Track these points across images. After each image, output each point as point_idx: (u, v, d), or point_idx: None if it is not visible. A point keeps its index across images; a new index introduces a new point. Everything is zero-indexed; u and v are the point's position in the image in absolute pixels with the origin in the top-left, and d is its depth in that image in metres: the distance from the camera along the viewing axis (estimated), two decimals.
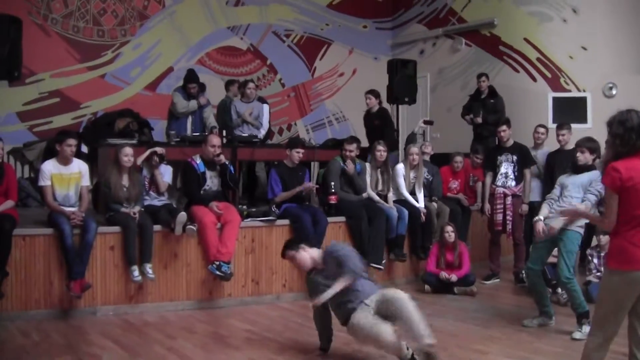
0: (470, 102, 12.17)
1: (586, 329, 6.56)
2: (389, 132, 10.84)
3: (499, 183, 9.43)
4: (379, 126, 10.72)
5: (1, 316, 7.28)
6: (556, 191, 7.33)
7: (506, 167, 9.40)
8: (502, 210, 9.38)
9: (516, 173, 9.39)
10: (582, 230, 7.09)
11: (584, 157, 7.15)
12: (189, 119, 10.67)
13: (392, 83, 11.76)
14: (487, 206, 9.60)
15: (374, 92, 10.91)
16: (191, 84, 10.64)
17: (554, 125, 9.95)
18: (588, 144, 7.21)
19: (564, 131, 9.18)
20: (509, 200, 9.34)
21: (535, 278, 7.16)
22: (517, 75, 13.33)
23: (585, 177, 7.11)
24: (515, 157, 9.39)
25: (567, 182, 7.23)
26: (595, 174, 7.04)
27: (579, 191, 7.06)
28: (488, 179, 9.63)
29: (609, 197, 4.38)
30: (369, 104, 10.88)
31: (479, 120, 11.51)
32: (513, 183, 9.38)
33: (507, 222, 9.36)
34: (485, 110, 11.82)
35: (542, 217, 7.13)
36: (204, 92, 11.32)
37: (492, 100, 11.86)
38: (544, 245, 7.11)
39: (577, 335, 6.70)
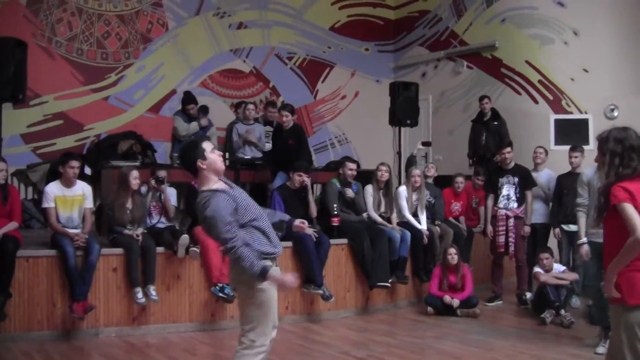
0: (473, 126, 12.20)
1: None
2: (304, 152, 10.03)
3: (500, 205, 9.44)
4: (293, 145, 9.85)
5: (4, 337, 7.30)
6: (585, 193, 7.35)
7: (508, 189, 9.41)
8: (504, 232, 9.38)
9: (518, 195, 9.40)
10: None
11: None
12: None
13: (394, 105, 11.77)
14: (490, 228, 9.61)
15: (288, 108, 10.06)
16: (189, 105, 10.69)
17: (556, 148, 9.99)
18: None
19: (577, 153, 9.18)
20: (511, 222, 9.35)
21: (597, 292, 6.87)
22: (519, 97, 13.36)
23: None
24: (516, 179, 9.41)
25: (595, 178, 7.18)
26: None
27: None
28: (490, 201, 9.65)
29: (626, 211, 3.96)
30: (285, 121, 9.86)
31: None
32: (515, 205, 9.39)
33: (510, 243, 9.36)
34: (489, 132, 11.87)
35: (585, 240, 7.23)
36: (207, 114, 11.38)
37: (495, 123, 11.90)
38: (594, 260, 7.07)
39: (600, 350, 6.65)
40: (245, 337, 4.60)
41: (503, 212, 9.40)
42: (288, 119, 9.76)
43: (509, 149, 9.54)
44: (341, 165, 9.51)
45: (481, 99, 12.14)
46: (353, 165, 9.33)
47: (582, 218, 7.43)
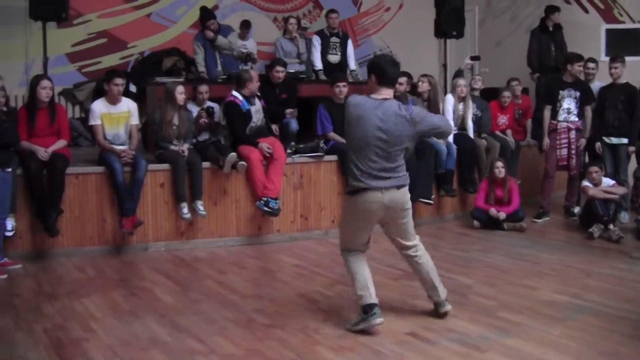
0: (536, 36, 11.90)
1: None
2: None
3: (560, 118, 9.24)
4: (287, 100, 9.45)
5: (57, 252, 7.51)
6: None
7: (569, 103, 9.18)
8: (566, 145, 9.20)
9: (578, 109, 9.21)
10: None
11: None
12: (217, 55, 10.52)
13: (440, 16, 11.54)
14: (546, 141, 9.39)
15: (281, 62, 9.49)
16: (209, 21, 10.38)
17: (607, 59, 9.73)
18: None
19: (617, 64, 8.96)
20: (572, 134, 9.17)
21: None
22: (569, 7, 12.94)
23: None
24: (578, 93, 9.18)
25: None
26: None
27: None
28: (547, 112, 9.43)
29: None
30: (278, 76, 9.29)
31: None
32: (576, 118, 9.20)
33: (572, 156, 9.20)
34: (556, 43, 11.68)
35: None
36: (249, 29, 11.25)
37: (559, 33, 11.68)
38: None
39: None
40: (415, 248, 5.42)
41: (564, 124, 9.21)
42: (282, 74, 9.28)
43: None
44: None
45: (552, 10, 11.79)
46: (401, 79, 9.19)
47: None
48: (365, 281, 5.16)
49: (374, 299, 5.10)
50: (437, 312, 5.42)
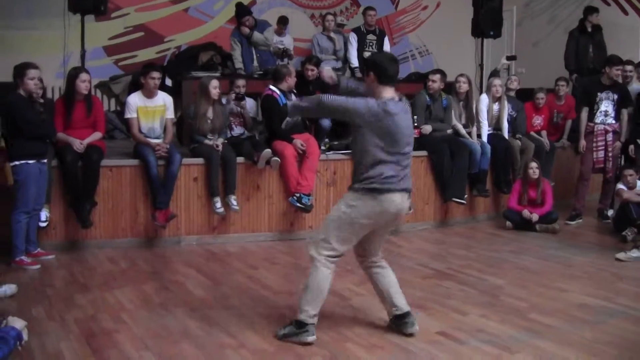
0: (574, 37, 11.78)
1: (634, 253, 7.04)
2: None
3: (597, 120, 9.15)
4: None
5: (90, 244, 7.58)
6: None
7: (606, 105, 9.11)
8: (603, 147, 9.12)
9: (615, 112, 9.12)
10: None
11: None
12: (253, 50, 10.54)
13: (477, 16, 11.48)
14: (583, 143, 9.31)
15: (314, 61, 9.46)
16: (244, 18, 10.42)
17: None
18: None
19: None
20: (609, 137, 9.08)
21: None
22: (608, 8, 12.80)
23: None
24: (616, 96, 9.09)
25: None
26: None
27: None
28: (584, 114, 9.35)
29: None
30: (311, 75, 9.25)
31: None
32: (613, 121, 9.12)
33: (609, 159, 9.11)
34: (595, 45, 11.57)
35: None
36: (286, 25, 11.26)
37: (599, 34, 11.57)
38: None
39: (620, 255, 7.12)
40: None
41: (601, 127, 9.12)
42: (314, 73, 9.21)
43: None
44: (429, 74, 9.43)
45: (590, 11, 11.66)
46: (434, 77, 9.17)
47: None
48: (321, 301, 4.91)
49: (314, 320, 4.89)
50: (398, 328, 5.08)
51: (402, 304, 5.05)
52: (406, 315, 5.03)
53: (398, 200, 4.79)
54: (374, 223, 4.85)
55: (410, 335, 4.97)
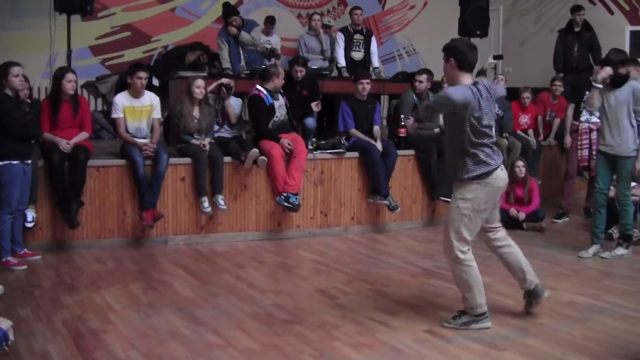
0: (561, 36, 11.80)
1: (618, 251, 7.15)
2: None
3: (582, 119, 9.19)
4: (307, 96, 9.33)
5: (77, 244, 7.54)
6: None
7: None
8: (587, 146, 9.14)
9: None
10: None
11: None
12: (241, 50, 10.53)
13: (464, 15, 11.50)
14: (568, 139, 9.41)
15: (301, 61, 9.49)
16: (231, 18, 10.40)
17: None
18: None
19: (629, 68, 8.89)
20: (594, 135, 9.11)
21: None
22: (593, 8, 12.85)
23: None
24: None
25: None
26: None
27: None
28: (570, 111, 9.41)
29: None
30: (299, 76, 9.28)
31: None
32: (598, 120, 9.13)
33: (593, 157, 9.14)
34: (581, 44, 11.58)
35: None
36: (273, 25, 11.26)
37: (587, 34, 11.58)
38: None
39: (605, 254, 7.22)
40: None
41: (586, 125, 9.15)
42: (302, 74, 9.28)
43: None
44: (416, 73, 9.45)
45: (577, 9, 11.67)
46: (421, 77, 9.18)
47: None
48: (482, 288, 5.23)
49: (486, 307, 5.21)
50: (529, 303, 5.44)
51: (533, 277, 5.41)
52: (537, 286, 5.38)
53: (502, 175, 5.13)
54: (492, 201, 5.21)
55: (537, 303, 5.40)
